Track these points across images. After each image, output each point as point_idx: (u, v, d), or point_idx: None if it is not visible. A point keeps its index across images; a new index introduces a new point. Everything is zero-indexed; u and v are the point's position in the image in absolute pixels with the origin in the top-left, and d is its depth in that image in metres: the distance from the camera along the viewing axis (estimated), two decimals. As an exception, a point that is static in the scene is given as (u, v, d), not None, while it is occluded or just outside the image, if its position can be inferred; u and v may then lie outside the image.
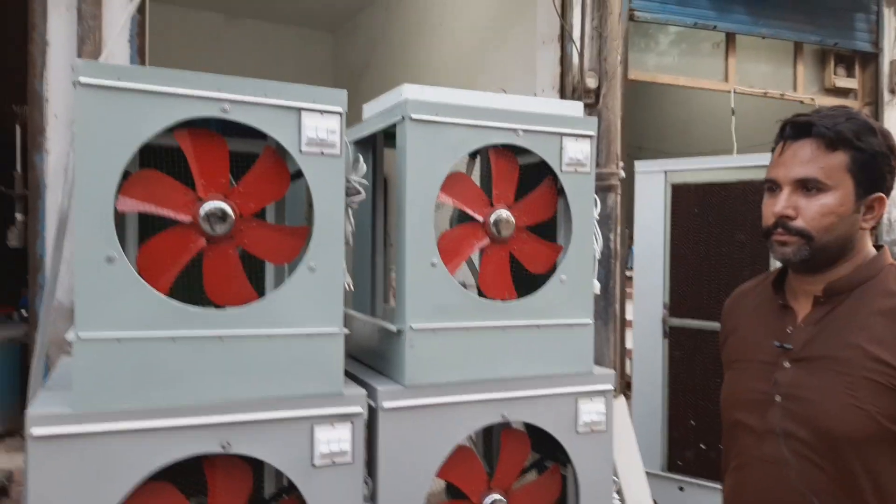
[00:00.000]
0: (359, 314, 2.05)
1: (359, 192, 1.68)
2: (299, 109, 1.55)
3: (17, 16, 3.51)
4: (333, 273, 1.59)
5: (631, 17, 4.58)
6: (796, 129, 1.42)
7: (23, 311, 4.69)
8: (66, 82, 3.25)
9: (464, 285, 1.79)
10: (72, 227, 1.41)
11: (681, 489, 3.74)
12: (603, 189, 3.98)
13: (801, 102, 5.34)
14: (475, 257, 1.95)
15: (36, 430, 1.33)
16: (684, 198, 3.77)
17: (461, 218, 1.92)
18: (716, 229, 3.66)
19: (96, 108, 1.38)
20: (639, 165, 3.96)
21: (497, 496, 1.81)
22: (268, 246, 1.60)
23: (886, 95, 5.43)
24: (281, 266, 1.87)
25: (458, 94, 1.77)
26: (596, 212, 1.92)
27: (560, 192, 1.89)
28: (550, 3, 4.35)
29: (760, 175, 3.50)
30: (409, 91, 1.72)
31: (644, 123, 8.47)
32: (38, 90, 3.25)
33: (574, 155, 1.86)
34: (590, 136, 1.88)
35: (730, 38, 5.18)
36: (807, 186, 1.38)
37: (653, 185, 3.86)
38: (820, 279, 1.43)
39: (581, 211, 1.88)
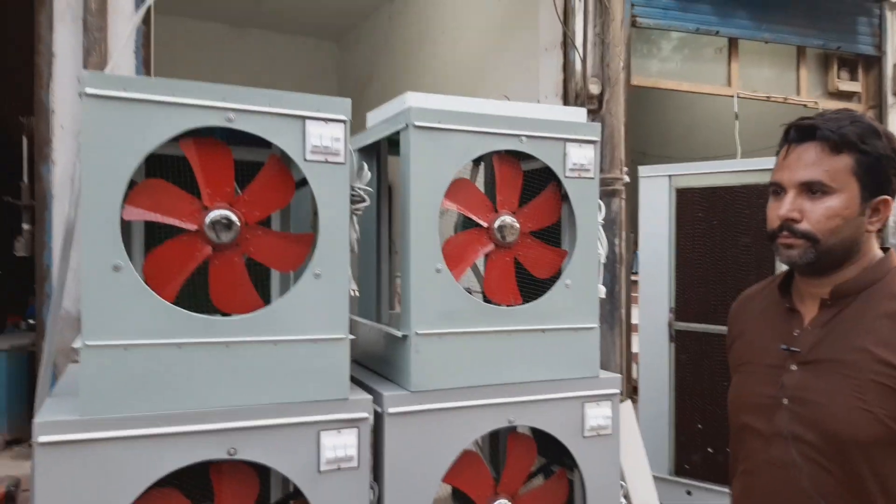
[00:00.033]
0: (364, 320, 2.06)
1: (363, 200, 1.69)
2: (304, 118, 1.56)
3: (24, 28, 3.54)
4: (339, 280, 1.60)
5: (633, 24, 4.59)
6: (801, 132, 1.42)
7: (30, 321, 4.72)
8: (72, 93, 3.27)
9: (469, 291, 1.79)
10: (79, 237, 1.42)
11: (688, 493, 3.72)
12: (607, 194, 4.00)
13: (805, 106, 5.35)
14: (480, 263, 1.95)
15: (42, 437, 1.34)
16: (689, 202, 3.77)
17: (466, 224, 1.93)
18: (720, 233, 3.65)
19: (102, 119, 1.40)
20: (643, 170, 3.96)
21: (504, 501, 1.80)
22: (273, 253, 1.60)
23: (890, 98, 5.43)
24: (286, 273, 1.88)
25: (461, 101, 1.78)
26: (600, 216, 1.92)
27: (564, 197, 1.89)
28: (553, 10, 4.37)
29: (764, 179, 3.52)
30: (413, 99, 1.73)
31: (647, 129, 8.48)
32: (45, 101, 3.28)
33: (578, 160, 1.87)
34: (593, 142, 1.89)
35: (732, 43, 5.19)
36: (812, 189, 1.38)
37: (657, 190, 3.86)
38: (826, 282, 1.43)
39: (585, 216, 1.89)
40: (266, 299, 1.65)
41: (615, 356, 4.03)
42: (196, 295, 1.58)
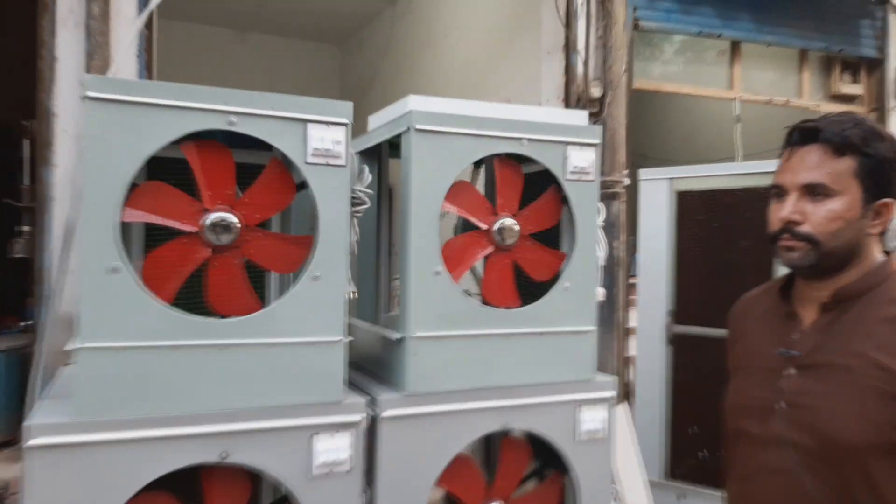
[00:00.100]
0: (362, 322, 2.06)
1: (364, 203, 1.69)
2: (305, 121, 1.56)
3: (26, 32, 3.55)
4: (337, 282, 1.60)
5: (635, 27, 4.59)
6: (803, 134, 1.42)
7: (26, 322, 4.71)
8: (74, 97, 3.28)
9: (468, 293, 1.79)
10: (78, 239, 1.42)
11: (681, 497, 3.72)
12: (607, 197, 3.99)
13: (806, 109, 5.34)
14: (479, 265, 1.95)
15: (34, 440, 1.34)
16: (689, 205, 3.76)
17: (465, 226, 1.93)
18: (720, 236, 3.65)
19: (104, 122, 1.40)
20: (643, 173, 3.96)
21: (498, 505, 1.80)
22: (272, 256, 1.61)
23: (892, 101, 5.42)
24: (285, 275, 1.88)
25: (462, 104, 1.78)
26: (600, 219, 1.92)
27: (564, 200, 1.89)
28: (555, 13, 4.37)
29: (765, 182, 3.50)
30: (414, 102, 1.73)
31: (649, 132, 8.46)
32: (47, 105, 3.28)
33: (578, 163, 1.87)
34: (594, 145, 1.89)
35: (734, 46, 5.18)
36: (814, 192, 1.38)
37: (657, 193, 3.86)
38: (827, 285, 1.43)
39: (585, 219, 1.89)
40: (263, 301, 1.65)
41: (612, 359, 4.03)
42: (193, 296, 1.58)
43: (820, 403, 1.36)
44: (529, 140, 1.81)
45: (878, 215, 1.40)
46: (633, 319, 4.12)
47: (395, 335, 1.73)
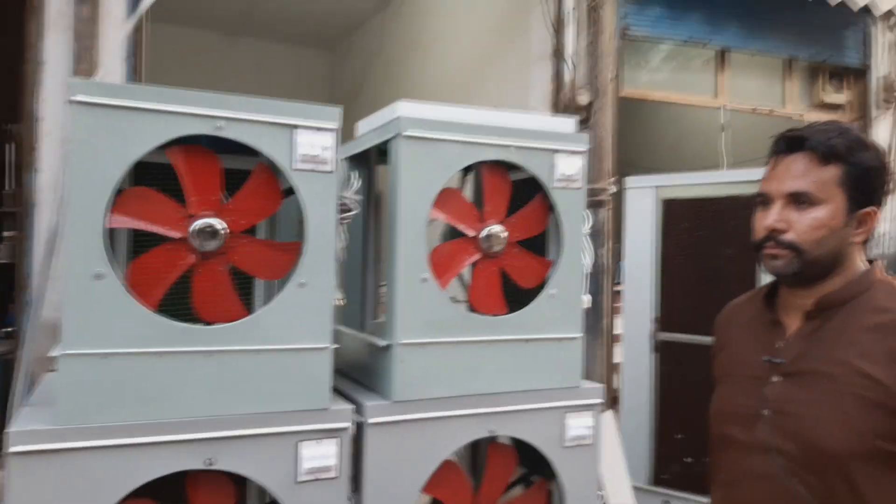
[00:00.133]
0: (348, 329, 2.06)
1: (351, 209, 1.69)
2: (293, 126, 1.56)
3: (10, 35, 3.53)
4: (324, 289, 1.59)
5: (623, 35, 4.62)
6: (789, 143, 1.43)
7: (8, 329, 4.66)
8: (60, 101, 3.26)
9: (454, 300, 1.79)
10: (62, 244, 1.41)
11: (666, 503, 3.72)
12: (594, 204, 4.01)
13: (792, 118, 5.38)
14: (466, 272, 1.95)
15: (15, 447, 1.33)
16: (675, 213, 3.78)
17: (452, 233, 1.93)
18: (706, 244, 3.66)
19: (90, 126, 1.39)
20: (629, 181, 3.97)
21: (484, 512, 1.80)
22: (259, 262, 1.60)
23: (875, 110, 5.48)
24: (271, 282, 1.88)
25: (451, 110, 1.78)
26: (587, 227, 1.93)
27: (551, 207, 1.90)
28: (544, 20, 4.39)
29: (750, 190, 3.51)
30: (403, 108, 1.73)
31: (636, 139, 8.50)
32: (32, 109, 3.26)
33: (565, 171, 1.87)
34: (582, 152, 1.90)
35: (721, 55, 5.22)
36: (799, 200, 1.38)
37: (643, 201, 3.87)
38: (811, 293, 1.43)
39: (572, 226, 1.89)
40: (249, 308, 1.65)
41: (597, 366, 4.04)
42: (178, 303, 1.57)
43: (804, 411, 1.36)
44: (517, 147, 1.81)
45: (861, 224, 1.40)
46: (619, 326, 4.13)
47: (382, 342, 1.73)
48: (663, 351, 3.78)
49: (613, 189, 4.13)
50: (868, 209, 1.40)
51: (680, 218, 3.75)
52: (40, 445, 1.34)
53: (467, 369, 1.76)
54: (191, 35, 8.26)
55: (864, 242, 1.44)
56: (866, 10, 5.06)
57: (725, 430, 1.51)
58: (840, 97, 5.55)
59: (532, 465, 1.98)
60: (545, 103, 4.48)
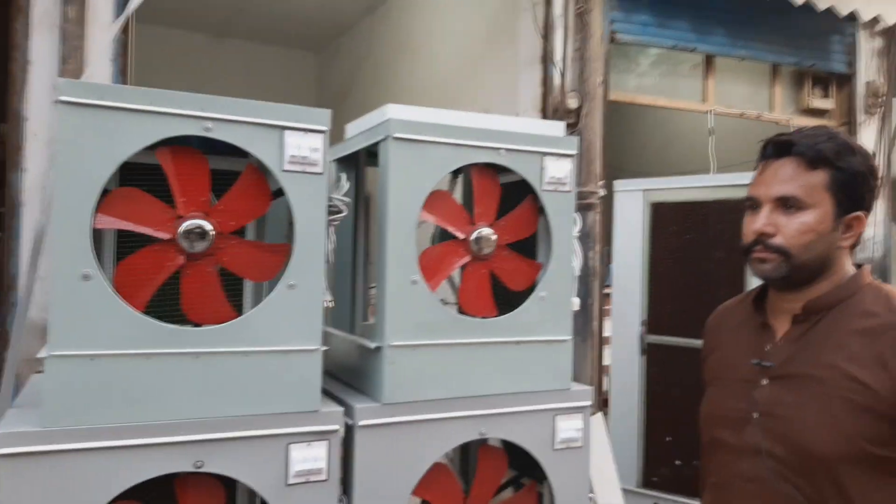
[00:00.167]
0: (338, 331, 2.05)
1: (341, 211, 1.69)
2: (282, 128, 1.55)
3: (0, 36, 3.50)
4: (313, 291, 1.59)
5: (612, 40, 4.64)
6: (777, 147, 1.44)
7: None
8: (47, 101, 3.23)
9: (444, 302, 1.79)
10: (48, 245, 1.40)
11: (655, 506, 3.74)
12: (583, 207, 4.02)
13: (777, 123, 5.43)
14: (456, 274, 1.95)
15: (3, 449, 1.32)
16: (663, 216, 3.80)
17: (442, 235, 1.93)
18: (694, 247, 3.69)
19: (77, 127, 1.39)
20: (618, 184, 4.00)
21: (475, 514, 1.80)
22: (248, 263, 1.59)
23: (861, 116, 5.53)
24: (260, 283, 1.87)
25: (440, 113, 1.79)
26: (576, 230, 1.93)
27: (541, 210, 1.90)
28: (533, 25, 4.40)
29: (738, 194, 3.56)
30: (393, 110, 1.73)
31: (624, 143, 8.54)
32: (18, 109, 3.23)
33: (555, 174, 1.88)
34: (570, 156, 1.90)
35: (708, 60, 5.26)
36: (787, 204, 1.39)
37: (632, 204, 3.89)
38: (799, 297, 1.44)
39: (561, 229, 1.90)
40: (238, 309, 1.64)
41: (587, 368, 4.05)
42: (167, 304, 1.56)
43: (792, 414, 1.37)
44: (507, 150, 1.82)
45: (849, 228, 1.41)
46: (608, 329, 4.15)
47: (372, 344, 1.72)
48: (651, 353, 3.80)
49: (602, 192, 4.14)
50: (856, 214, 1.41)
51: (668, 221, 3.77)
52: (27, 447, 1.33)
53: (457, 371, 1.76)
54: (178, 36, 8.23)
55: (853, 247, 1.45)
56: (852, 16, 5.11)
57: (715, 433, 1.51)
58: (826, 102, 5.60)
59: (522, 467, 1.98)
60: (534, 107, 4.49)
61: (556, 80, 4.33)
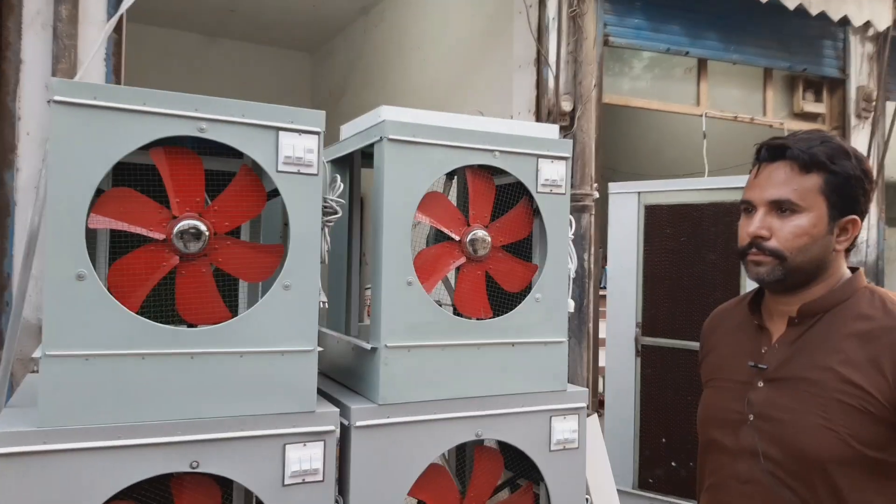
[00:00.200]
0: (333, 332, 2.05)
1: (336, 212, 1.68)
2: (277, 129, 1.55)
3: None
4: (308, 291, 1.59)
5: (606, 43, 4.65)
6: (772, 151, 1.44)
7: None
8: (40, 100, 3.22)
9: (440, 304, 1.79)
10: (42, 245, 1.39)
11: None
12: (577, 209, 4.03)
13: (770, 127, 5.45)
14: (451, 276, 1.95)
15: (-1, 449, 1.31)
16: (657, 218, 3.82)
17: (437, 237, 1.93)
18: (688, 249, 3.70)
19: (71, 127, 1.38)
20: (613, 187, 4.01)
21: (471, 516, 1.80)
22: (242, 264, 1.59)
23: (853, 120, 5.56)
24: (255, 284, 1.86)
25: (435, 115, 1.79)
26: (571, 232, 1.94)
27: (536, 212, 1.91)
28: (527, 27, 4.41)
29: (731, 197, 3.58)
30: (387, 112, 1.73)
31: (618, 146, 8.57)
32: (11, 108, 3.22)
33: (549, 176, 1.88)
34: (565, 158, 1.91)
35: (702, 64, 5.28)
36: (781, 208, 1.40)
37: (626, 206, 3.91)
38: (794, 300, 1.45)
39: (556, 231, 1.90)
40: (233, 310, 1.63)
41: (582, 370, 4.05)
42: (162, 305, 1.56)
43: (787, 417, 1.38)
44: (501, 152, 1.82)
45: (844, 232, 1.42)
46: (603, 331, 4.16)
47: (368, 345, 1.72)
48: (646, 355, 3.81)
49: (596, 195, 4.15)
50: (851, 217, 1.41)
51: (663, 224, 3.79)
52: (22, 447, 1.32)
53: (453, 373, 1.76)
54: (171, 36, 8.21)
55: (848, 250, 1.45)
56: (844, 21, 5.14)
57: (712, 434, 1.52)
58: (819, 106, 5.63)
59: (518, 468, 1.98)
60: (528, 110, 4.50)
61: (550, 82, 4.34)
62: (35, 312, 2.92)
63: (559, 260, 1.91)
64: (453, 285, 1.93)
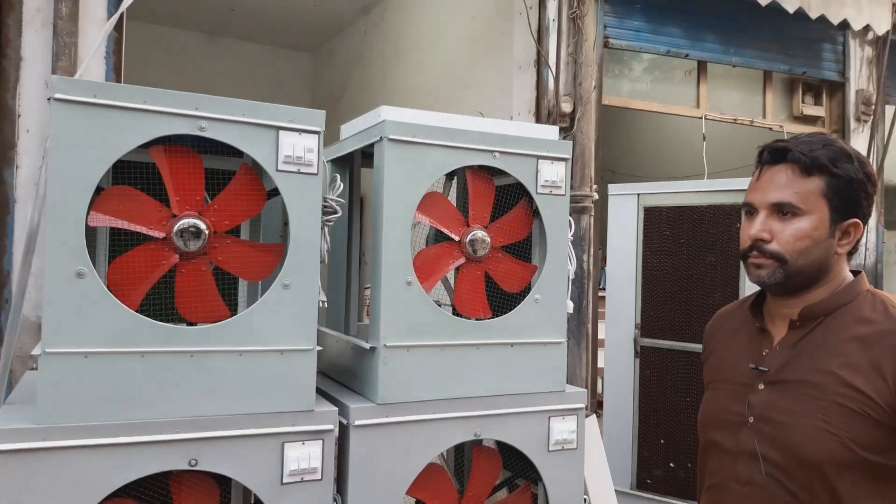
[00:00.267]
0: (332, 331, 2.05)
1: (335, 212, 1.69)
2: (277, 128, 1.55)
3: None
4: (308, 290, 1.59)
5: (606, 45, 4.66)
6: (774, 154, 1.44)
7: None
8: (39, 98, 3.22)
9: (439, 304, 1.79)
10: (42, 242, 1.39)
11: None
12: (577, 211, 4.03)
13: (770, 129, 5.45)
14: (451, 276, 1.95)
15: (-2, 446, 1.31)
16: (656, 220, 3.82)
17: (437, 237, 1.93)
18: (687, 251, 3.71)
19: (71, 124, 1.38)
20: (612, 188, 4.01)
21: (469, 516, 1.80)
22: (242, 263, 1.59)
23: (853, 123, 5.57)
24: (254, 283, 1.86)
25: (435, 116, 1.79)
26: (570, 233, 1.94)
27: (535, 213, 1.91)
28: (527, 29, 4.41)
29: (730, 199, 3.58)
30: (388, 112, 1.73)
31: (618, 147, 8.59)
32: (11, 105, 3.21)
33: (549, 177, 1.88)
34: (564, 159, 1.91)
35: (701, 66, 5.28)
36: (782, 211, 1.40)
37: (626, 208, 3.91)
38: (796, 303, 1.44)
39: (555, 232, 1.90)
40: (233, 309, 1.63)
41: (581, 371, 4.05)
42: (162, 303, 1.56)
43: (787, 419, 1.37)
44: (501, 153, 1.82)
45: (846, 235, 1.42)
46: (602, 332, 4.16)
47: (367, 345, 1.72)
48: (645, 356, 3.82)
49: (596, 196, 4.16)
50: (853, 220, 1.41)
51: (662, 225, 3.79)
52: (21, 444, 1.32)
53: (452, 373, 1.76)
54: (172, 34, 8.21)
55: (850, 254, 1.45)
56: (843, 24, 5.14)
57: (712, 436, 1.52)
58: (818, 110, 5.63)
59: (517, 468, 1.98)
60: (528, 111, 4.50)
61: (550, 83, 4.34)
62: (34, 310, 2.92)
63: (558, 261, 1.91)
64: (453, 285, 1.94)
